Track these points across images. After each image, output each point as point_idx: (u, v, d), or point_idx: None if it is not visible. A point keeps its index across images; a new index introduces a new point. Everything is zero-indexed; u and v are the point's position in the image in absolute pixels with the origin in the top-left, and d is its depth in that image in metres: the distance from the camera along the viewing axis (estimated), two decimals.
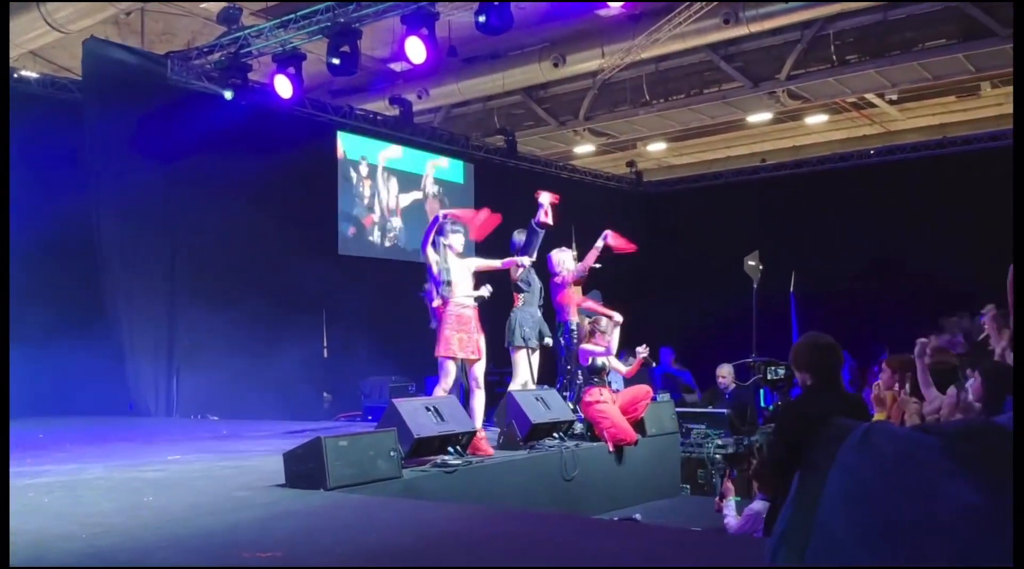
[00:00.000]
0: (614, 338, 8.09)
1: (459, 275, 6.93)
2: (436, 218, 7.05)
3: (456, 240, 7.03)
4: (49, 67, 12.30)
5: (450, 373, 6.88)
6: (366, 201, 14.07)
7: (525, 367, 7.82)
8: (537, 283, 8.02)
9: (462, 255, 7.13)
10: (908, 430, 0.71)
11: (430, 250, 6.96)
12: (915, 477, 0.67)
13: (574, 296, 8.22)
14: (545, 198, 7.95)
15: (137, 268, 11.17)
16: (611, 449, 7.60)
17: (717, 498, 6.19)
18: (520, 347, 7.76)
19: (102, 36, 11.40)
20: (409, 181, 14.66)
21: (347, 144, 13.86)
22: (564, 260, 8.24)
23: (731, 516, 5.97)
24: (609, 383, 8.17)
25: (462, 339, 6.81)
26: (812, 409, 4.20)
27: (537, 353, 8.02)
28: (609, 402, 7.77)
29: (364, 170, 14.08)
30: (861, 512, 0.67)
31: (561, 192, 7.74)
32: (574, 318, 8.16)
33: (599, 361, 7.85)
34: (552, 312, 8.22)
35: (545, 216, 7.88)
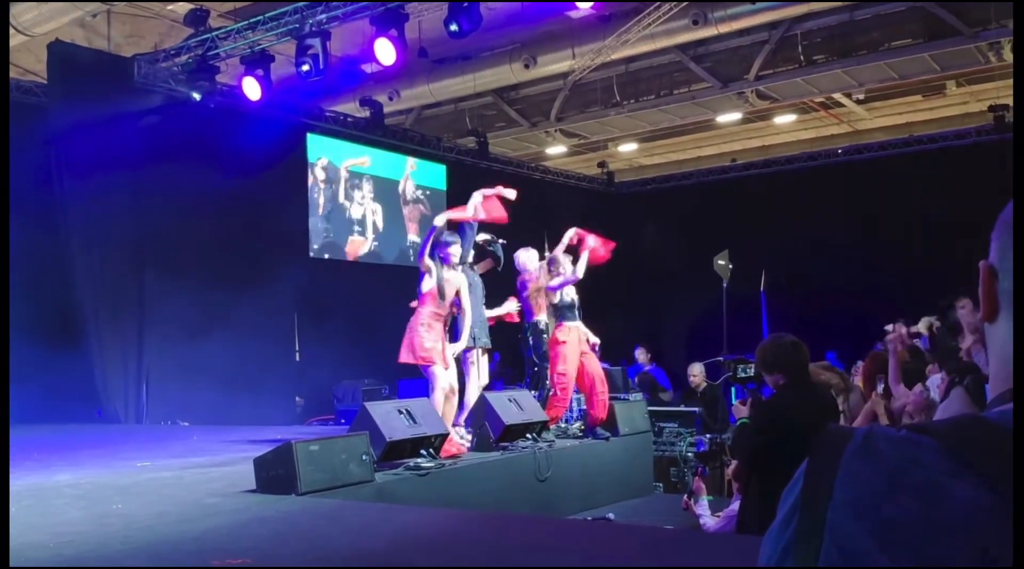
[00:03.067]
0: (568, 267, 7.90)
1: (450, 288, 7.00)
2: (433, 228, 7.05)
3: (454, 250, 7.08)
4: (14, 70, 12.13)
5: (440, 375, 6.88)
6: (338, 204, 14.00)
7: (478, 367, 7.79)
8: (479, 283, 7.90)
9: (455, 266, 7.16)
10: (905, 432, 0.71)
11: (426, 259, 6.97)
12: (918, 479, 0.67)
13: (540, 296, 8.20)
14: (476, 198, 7.77)
15: (105, 272, 11.04)
16: (554, 391, 7.67)
17: (685, 496, 6.16)
18: (470, 348, 7.71)
19: (68, 39, 11.27)
20: (381, 184, 14.61)
21: (317, 146, 13.80)
22: (529, 260, 8.24)
23: (706, 515, 5.95)
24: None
25: (437, 348, 6.90)
26: (786, 408, 4.23)
27: (485, 355, 7.99)
28: (576, 343, 7.72)
29: (334, 173, 14.01)
30: (873, 516, 0.68)
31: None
32: (542, 316, 8.16)
33: (568, 296, 7.78)
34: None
35: (475, 212, 7.64)
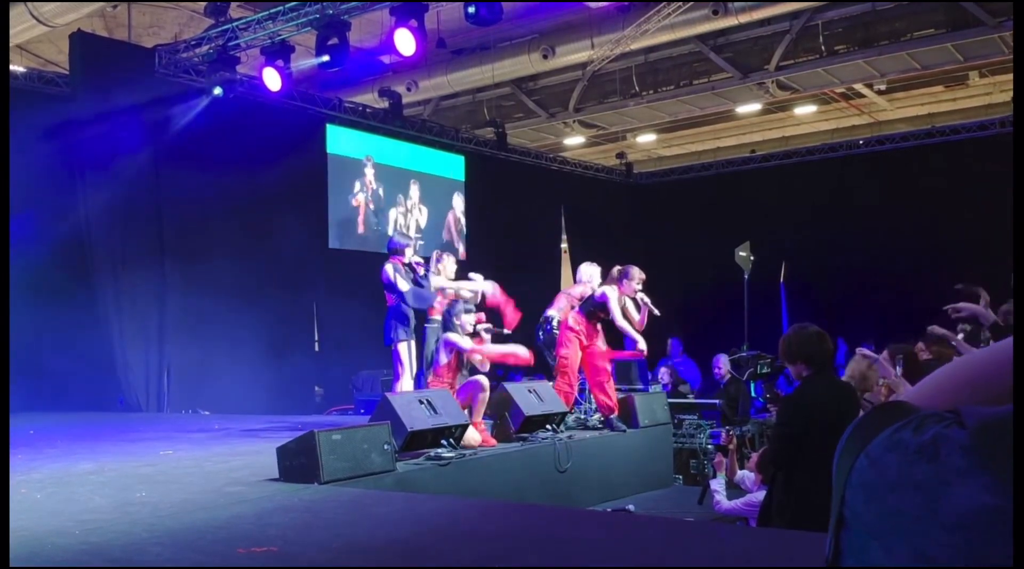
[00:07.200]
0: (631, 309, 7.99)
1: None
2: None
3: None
4: (36, 61, 12.22)
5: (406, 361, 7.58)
6: (356, 195, 14.02)
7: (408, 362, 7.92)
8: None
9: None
10: (940, 427, 0.68)
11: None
12: (928, 474, 0.66)
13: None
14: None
15: (126, 262, 11.12)
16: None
17: (702, 490, 6.10)
18: (403, 340, 7.85)
19: (89, 29, 11.32)
20: (401, 176, 14.62)
21: (337, 138, 13.81)
22: (593, 275, 8.24)
23: (721, 493, 5.88)
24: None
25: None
26: (810, 399, 4.21)
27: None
28: (580, 340, 7.82)
29: (355, 165, 14.03)
30: (880, 504, 0.67)
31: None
32: (556, 313, 8.19)
33: (611, 311, 7.81)
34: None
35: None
